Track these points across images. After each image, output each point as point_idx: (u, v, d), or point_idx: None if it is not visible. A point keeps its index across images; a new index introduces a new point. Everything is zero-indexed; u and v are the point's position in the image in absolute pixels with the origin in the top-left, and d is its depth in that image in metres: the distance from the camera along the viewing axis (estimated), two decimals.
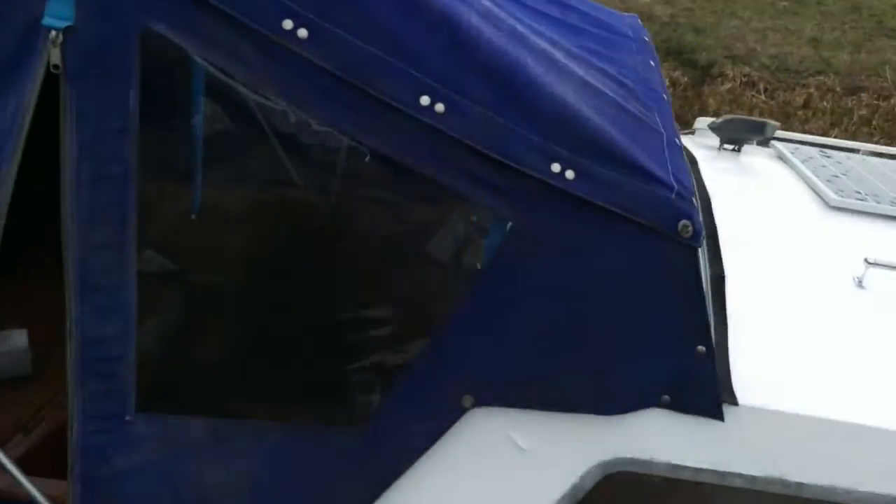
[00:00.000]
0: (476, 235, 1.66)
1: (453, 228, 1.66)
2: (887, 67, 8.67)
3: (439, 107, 1.49)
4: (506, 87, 1.54)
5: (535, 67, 1.61)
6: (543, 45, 1.79)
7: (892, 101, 8.29)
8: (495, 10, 1.75)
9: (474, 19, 1.61)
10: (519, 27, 1.77)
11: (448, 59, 1.53)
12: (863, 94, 8.33)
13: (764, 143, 2.78)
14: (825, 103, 8.22)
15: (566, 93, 1.61)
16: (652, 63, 2.18)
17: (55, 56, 1.45)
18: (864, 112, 8.11)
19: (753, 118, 2.80)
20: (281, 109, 1.68)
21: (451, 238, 1.66)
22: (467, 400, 1.58)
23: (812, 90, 8.40)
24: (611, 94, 1.79)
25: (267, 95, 1.57)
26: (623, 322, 1.55)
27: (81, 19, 1.44)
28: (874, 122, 8.01)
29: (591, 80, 1.78)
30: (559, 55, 1.81)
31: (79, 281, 1.55)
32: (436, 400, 1.59)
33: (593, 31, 2.18)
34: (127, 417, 1.62)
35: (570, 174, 1.52)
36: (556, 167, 1.51)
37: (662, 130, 1.77)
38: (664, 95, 1.99)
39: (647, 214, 1.51)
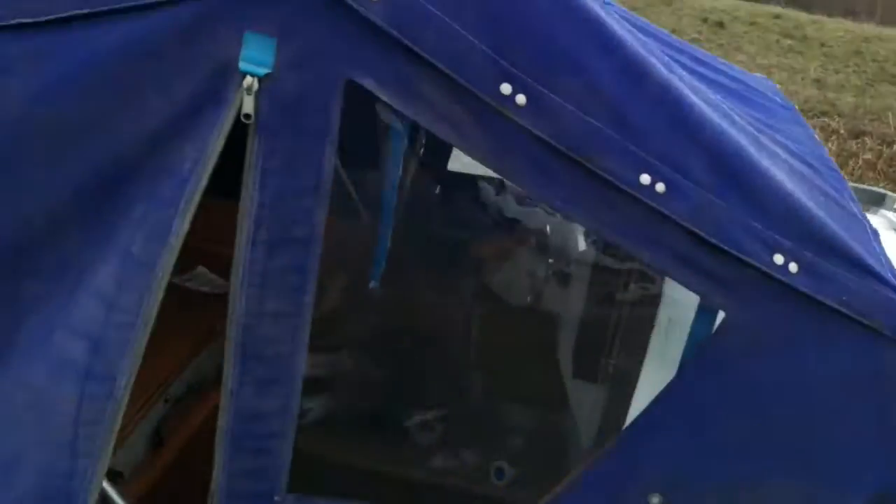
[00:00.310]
0: (680, 324, 1.57)
1: (657, 314, 1.57)
2: (890, 114, 8.82)
3: (660, 186, 1.41)
4: (728, 169, 1.46)
5: (750, 148, 1.53)
6: (742, 121, 1.71)
7: (894, 147, 8.41)
8: (695, 81, 1.67)
9: (690, 93, 1.52)
10: (722, 100, 1.68)
11: (671, 136, 1.44)
12: (867, 139, 8.45)
13: (874, 210, 2.73)
14: (830, 145, 8.29)
15: (783, 177, 1.54)
16: (816, 137, 2.11)
17: (248, 105, 1.32)
18: (868, 156, 8.20)
19: (873, 188, 2.74)
20: (487, 180, 1.58)
21: (653, 324, 1.57)
22: (655, 499, 1.50)
23: (817, 131, 8.48)
24: (810, 177, 1.71)
25: (474, 162, 1.45)
26: (832, 427, 1.48)
27: (281, 67, 1.31)
28: (879, 167, 8.11)
29: (791, 160, 1.71)
30: (757, 134, 1.73)
31: (241, 350, 1.43)
32: (620, 497, 1.50)
33: (753, 99, 2.10)
34: (276, 498, 1.51)
35: (793, 267, 1.44)
36: (779, 259, 1.44)
37: (864, 219, 1.70)
38: (842, 175, 1.93)
39: (871, 315, 1.45)
